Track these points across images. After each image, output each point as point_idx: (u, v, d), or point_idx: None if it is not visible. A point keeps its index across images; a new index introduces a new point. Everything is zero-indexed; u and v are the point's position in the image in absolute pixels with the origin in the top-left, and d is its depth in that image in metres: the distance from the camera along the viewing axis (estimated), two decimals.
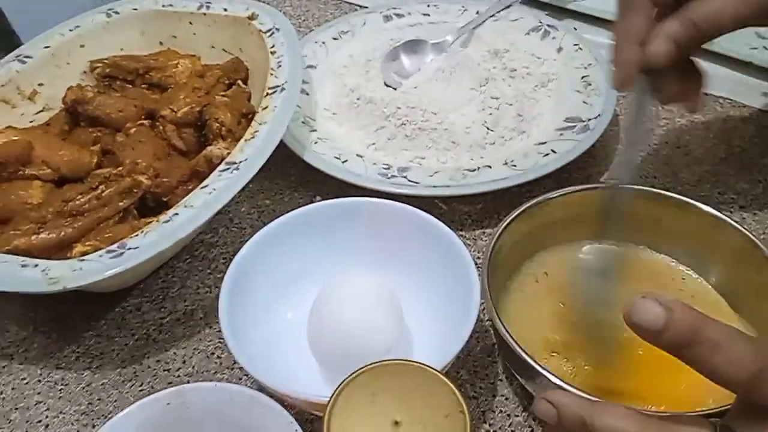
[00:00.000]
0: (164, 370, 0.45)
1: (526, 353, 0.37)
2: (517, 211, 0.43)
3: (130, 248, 0.42)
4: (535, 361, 0.36)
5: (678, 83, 0.41)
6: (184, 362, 0.46)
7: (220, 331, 0.39)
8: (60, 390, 0.45)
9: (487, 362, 0.44)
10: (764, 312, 0.40)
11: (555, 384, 0.35)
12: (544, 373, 0.36)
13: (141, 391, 0.44)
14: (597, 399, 0.33)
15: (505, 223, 0.43)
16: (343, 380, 0.30)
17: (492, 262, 0.41)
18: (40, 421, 0.43)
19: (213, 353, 0.46)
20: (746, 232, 0.41)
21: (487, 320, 0.46)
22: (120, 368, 0.46)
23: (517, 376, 0.40)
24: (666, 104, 0.43)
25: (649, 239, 0.45)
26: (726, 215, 0.42)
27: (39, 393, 0.45)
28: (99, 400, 0.44)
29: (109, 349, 0.47)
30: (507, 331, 0.38)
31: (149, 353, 0.46)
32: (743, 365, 0.27)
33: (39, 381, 0.46)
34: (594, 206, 0.45)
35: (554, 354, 0.40)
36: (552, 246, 0.46)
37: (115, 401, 0.44)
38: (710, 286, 0.43)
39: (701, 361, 0.28)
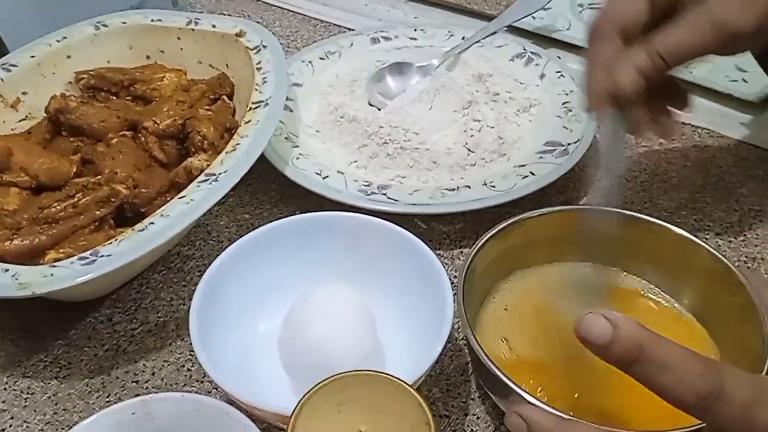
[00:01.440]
0: (133, 382, 0.45)
1: (500, 370, 0.36)
2: (494, 231, 0.43)
3: (102, 256, 0.42)
4: (509, 378, 0.36)
5: (646, 112, 0.43)
6: (153, 374, 0.45)
7: (192, 344, 0.38)
8: (25, 399, 0.44)
9: (460, 381, 0.44)
10: (736, 335, 0.40)
11: (528, 402, 0.35)
12: (518, 390, 0.35)
13: (108, 402, 0.44)
14: (568, 417, 0.33)
15: (481, 242, 0.43)
16: (310, 389, 0.30)
17: (468, 280, 0.41)
18: (3, 430, 0.42)
19: (183, 366, 0.45)
20: (719, 256, 0.41)
21: (462, 339, 0.46)
22: (88, 378, 0.45)
23: (491, 395, 0.40)
24: (633, 133, 0.44)
25: (622, 261, 0.45)
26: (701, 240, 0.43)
27: (4, 401, 0.44)
28: (64, 410, 0.43)
29: (78, 359, 0.46)
30: (481, 348, 0.38)
31: (118, 364, 0.46)
32: (693, 387, 0.27)
33: (4, 389, 0.45)
34: (571, 227, 0.45)
35: (528, 372, 0.40)
36: (528, 266, 0.46)
37: (81, 412, 0.43)
38: (683, 309, 0.43)
39: (649, 378, 0.28)
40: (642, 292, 0.45)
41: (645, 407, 0.35)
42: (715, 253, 0.41)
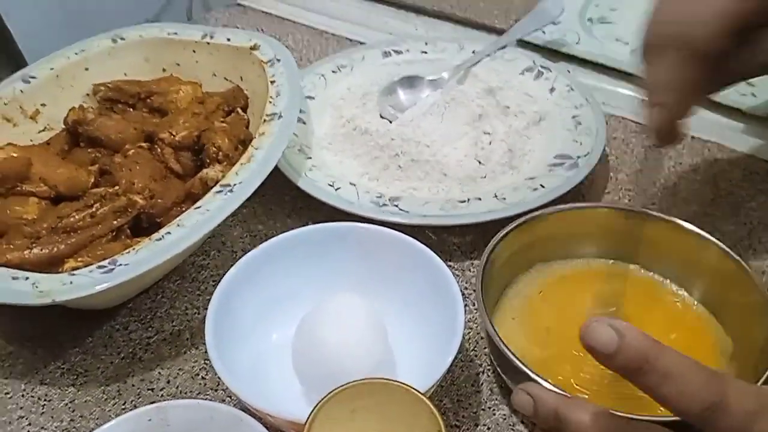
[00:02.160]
0: (148, 389, 0.45)
1: (520, 360, 0.37)
2: (514, 225, 0.45)
3: (120, 264, 0.43)
4: (528, 368, 0.36)
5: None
6: (168, 382, 0.46)
7: (206, 352, 0.39)
8: (43, 405, 0.45)
9: (470, 391, 0.44)
10: (750, 332, 0.40)
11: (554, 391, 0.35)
12: (538, 380, 0.36)
13: (124, 409, 0.44)
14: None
15: (500, 236, 0.44)
16: (324, 396, 0.30)
17: (486, 274, 0.42)
18: None
19: (198, 374, 0.46)
20: (734, 255, 0.42)
21: (473, 350, 0.46)
22: (104, 386, 0.46)
23: (509, 383, 0.41)
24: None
25: (641, 258, 0.46)
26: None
27: (22, 408, 0.45)
28: (81, 417, 0.44)
29: (94, 367, 0.47)
30: (497, 335, 0.38)
31: (134, 372, 0.46)
32: (696, 397, 0.28)
33: (22, 396, 0.46)
34: (590, 224, 0.46)
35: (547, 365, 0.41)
36: (547, 261, 0.47)
37: (97, 419, 0.44)
38: (699, 304, 0.44)
39: (652, 388, 0.28)
40: (658, 288, 0.45)
41: None
42: (729, 251, 0.42)
